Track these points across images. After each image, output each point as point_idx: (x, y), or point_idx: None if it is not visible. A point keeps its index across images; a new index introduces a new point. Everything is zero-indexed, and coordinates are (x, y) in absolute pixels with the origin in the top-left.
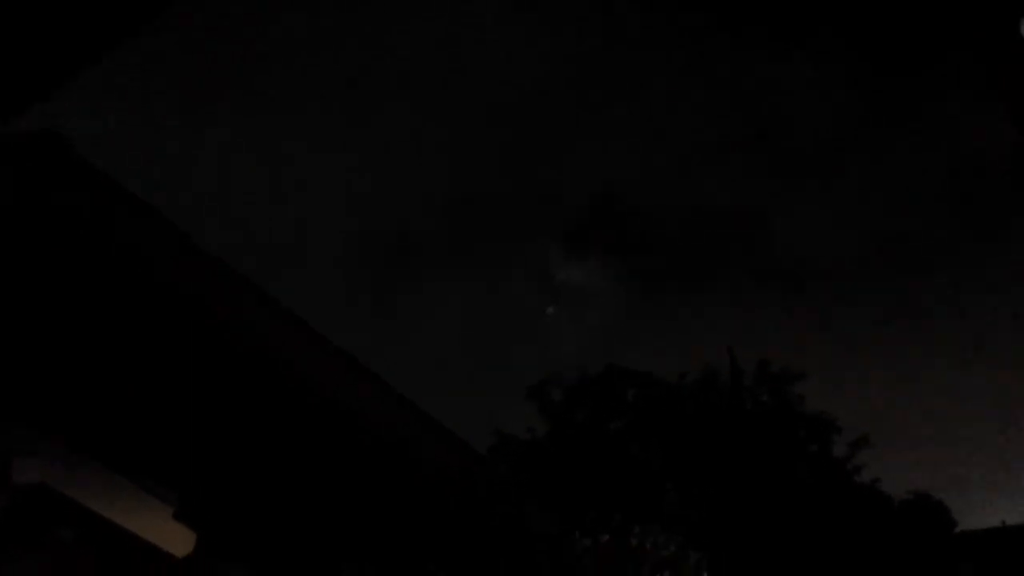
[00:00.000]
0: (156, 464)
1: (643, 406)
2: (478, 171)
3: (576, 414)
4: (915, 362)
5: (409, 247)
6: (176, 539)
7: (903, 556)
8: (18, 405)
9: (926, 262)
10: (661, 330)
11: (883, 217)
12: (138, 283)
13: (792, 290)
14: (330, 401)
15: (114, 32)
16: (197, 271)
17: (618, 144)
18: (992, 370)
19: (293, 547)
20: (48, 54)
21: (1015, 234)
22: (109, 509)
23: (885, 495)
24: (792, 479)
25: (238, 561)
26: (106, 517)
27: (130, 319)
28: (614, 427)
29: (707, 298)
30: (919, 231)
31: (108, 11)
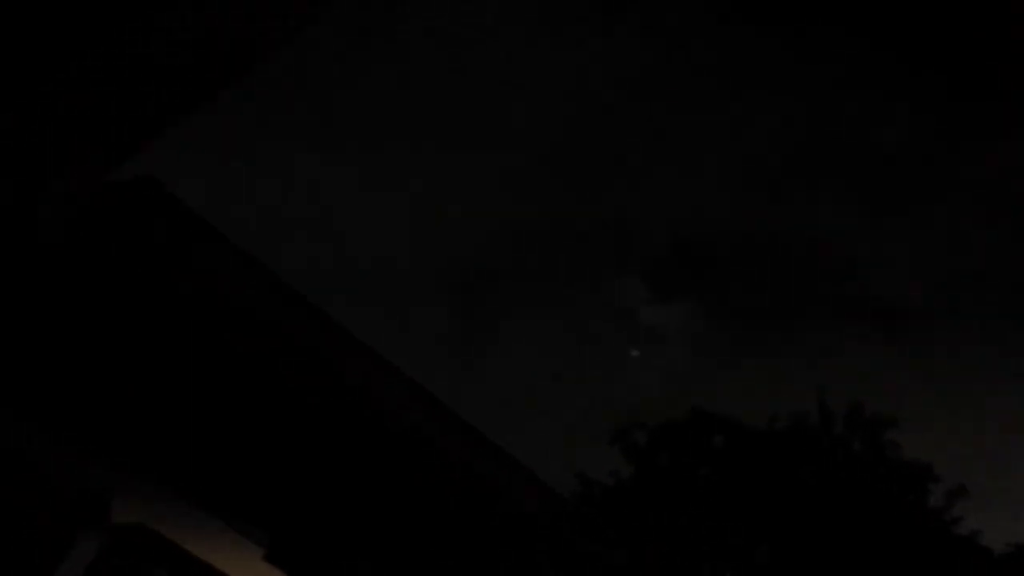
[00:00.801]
0: (249, 505)
1: (731, 453)
2: (554, 208)
3: (661, 459)
4: (1015, 407)
5: (487, 286)
6: None
7: None
8: (117, 444)
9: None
10: (748, 372)
11: (978, 253)
12: (237, 324)
13: (883, 330)
14: (426, 447)
15: (211, 86)
16: (295, 315)
17: (701, 179)
18: None
19: None
20: (150, 109)
21: None
22: (203, 549)
23: (985, 548)
24: (888, 531)
25: None
26: (200, 558)
27: (228, 360)
28: (702, 474)
29: (795, 338)
30: (1015, 266)
31: (208, 67)
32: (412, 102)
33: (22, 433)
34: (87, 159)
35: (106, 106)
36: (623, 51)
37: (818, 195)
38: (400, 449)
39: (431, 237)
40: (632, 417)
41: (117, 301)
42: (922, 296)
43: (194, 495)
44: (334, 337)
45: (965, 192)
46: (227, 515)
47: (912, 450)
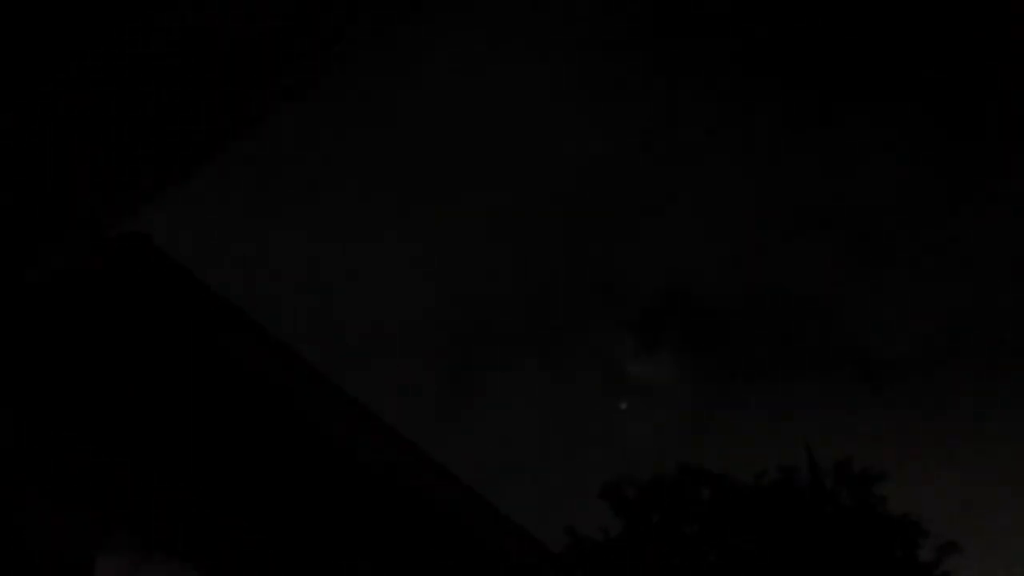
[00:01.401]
0: (239, 566)
1: (719, 508)
2: (545, 263)
3: (651, 515)
4: (1005, 460)
5: (475, 339)
6: None
7: None
8: (102, 498)
9: (1013, 354)
10: (736, 425)
11: (964, 304)
12: (229, 380)
13: (869, 384)
14: (415, 502)
15: (209, 149)
16: (287, 372)
17: (684, 231)
18: None
19: None
20: (146, 169)
21: None
22: None
23: None
24: None
25: None
26: None
27: (220, 415)
28: (689, 531)
29: (781, 392)
30: (999, 315)
31: (204, 130)
32: (400, 157)
33: None
34: (88, 220)
35: (112, 166)
36: (615, 108)
37: (805, 250)
38: (394, 505)
39: (419, 292)
40: (621, 471)
41: (103, 354)
42: (908, 349)
43: (185, 555)
44: (327, 395)
45: (952, 247)
46: (215, 571)
47: (900, 504)
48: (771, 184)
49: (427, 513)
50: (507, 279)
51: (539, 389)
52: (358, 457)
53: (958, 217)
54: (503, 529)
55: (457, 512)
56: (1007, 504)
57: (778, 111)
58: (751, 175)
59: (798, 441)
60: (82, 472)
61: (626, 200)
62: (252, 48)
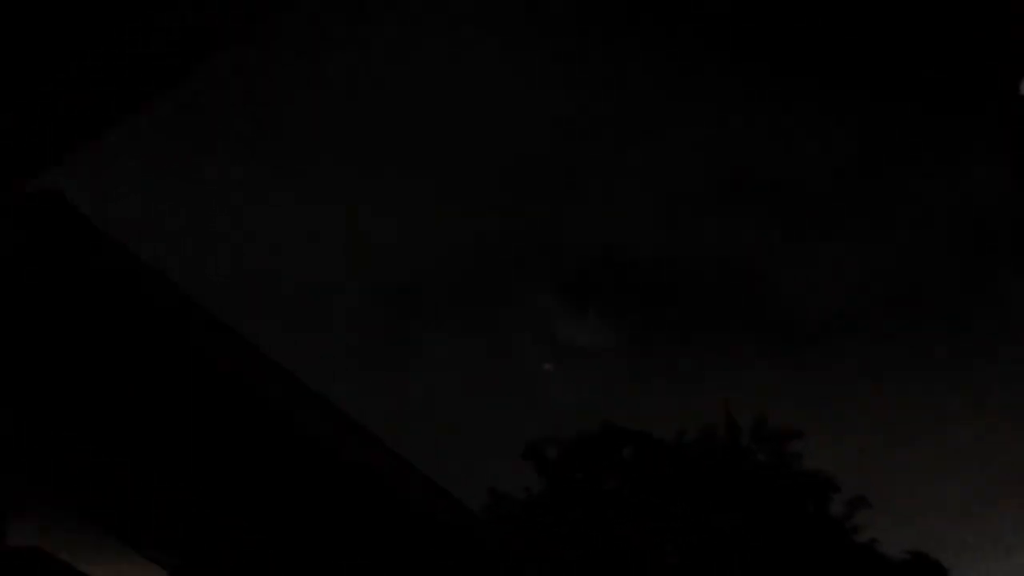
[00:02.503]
0: (152, 527)
1: (640, 465)
2: (475, 224)
3: (573, 473)
4: (914, 421)
5: (404, 301)
6: None
7: None
8: (17, 460)
9: (925, 319)
10: (660, 387)
11: (883, 272)
12: (139, 339)
13: (791, 345)
14: (333, 462)
15: (130, 101)
16: (197, 326)
17: (617, 197)
18: (991, 430)
19: None
20: (59, 121)
21: (1015, 292)
22: (104, 572)
23: (883, 555)
24: (790, 539)
25: None
26: None
27: (133, 376)
28: (611, 487)
29: (706, 354)
30: (920, 287)
31: (124, 79)
32: (338, 119)
33: None
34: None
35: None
36: (555, 72)
37: (736, 216)
38: (306, 462)
39: (353, 253)
40: (546, 431)
41: (13, 308)
42: (829, 313)
43: (95, 517)
44: (247, 353)
45: (875, 214)
46: (130, 538)
47: (815, 462)
48: (705, 151)
49: (343, 472)
50: (438, 239)
51: (466, 350)
52: (269, 407)
53: (883, 184)
54: (424, 490)
55: (378, 473)
56: (914, 461)
57: (717, 83)
58: (686, 142)
59: (720, 402)
60: None
61: (560, 163)
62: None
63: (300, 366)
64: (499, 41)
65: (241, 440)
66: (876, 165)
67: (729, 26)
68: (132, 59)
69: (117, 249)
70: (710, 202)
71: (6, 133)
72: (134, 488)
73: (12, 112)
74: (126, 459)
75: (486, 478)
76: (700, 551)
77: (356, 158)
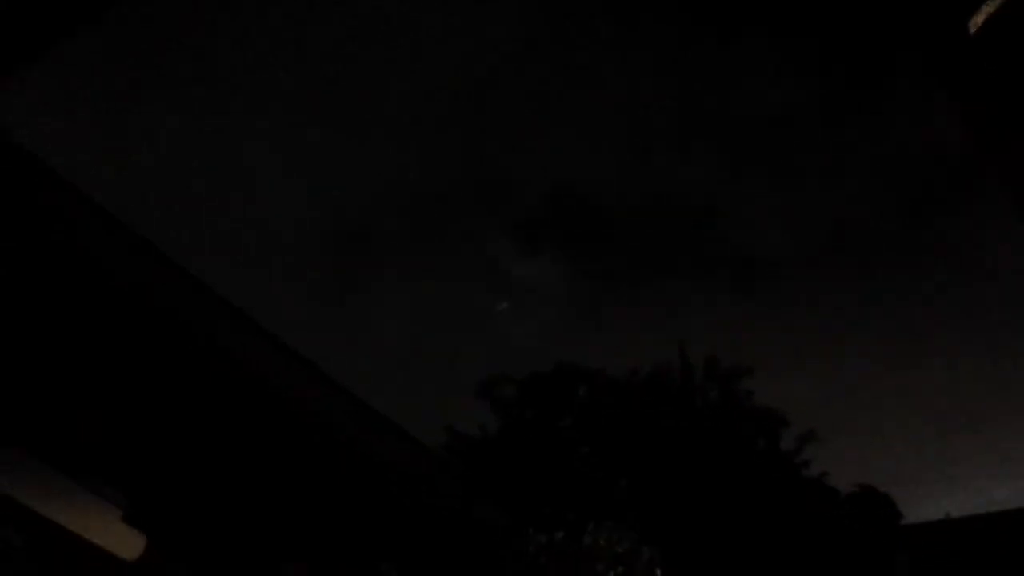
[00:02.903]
0: (105, 466)
1: (593, 403)
2: (428, 165)
3: (527, 412)
4: (863, 357)
5: (358, 242)
6: (126, 542)
7: (848, 547)
8: None
9: (873, 257)
10: (614, 326)
11: (833, 211)
12: (77, 278)
13: (743, 285)
14: (278, 400)
15: (57, 27)
16: (134, 260)
17: (571, 137)
18: (940, 366)
19: (244, 548)
20: None
21: (959, 226)
22: (57, 512)
23: (832, 488)
24: (741, 474)
25: (188, 564)
26: (54, 520)
27: (73, 316)
28: (565, 424)
29: (659, 294)
30: (869, 226)
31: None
32: (293, 65)
33: None
34: None
35: None
36: (506, 18)
37: (689, 155)
38: (248, 399)
39: (307, 198)
40: (502, 370)
41: None
42: (781, 253)
43: (47, 458)
44: (192, 288)
45: (829, 156)
46: (83, 477)
47: (767, 399)
48: (660, 93)
49: (293, 411)
50: (391, 180)
51: (422, 290)
52: (216, 343)
53: (835, 128)
54: (382, 430)
55: (336, 416)
56: (864, 396)
57: (674, 26)
58: (641, 84)
59: (674, 340)
60: None
61: (513, 104)
62: None
63: (247, 304)
64: None
65: (189, 377)
66: (830, 109)
67: None
68: None
69: (65, 185)
70: (664, 141)
71: None
72: (87, 431)
73: None
74: (76, 400)
75: (444, 416)
76: (652, 487)
77: (303, 101)
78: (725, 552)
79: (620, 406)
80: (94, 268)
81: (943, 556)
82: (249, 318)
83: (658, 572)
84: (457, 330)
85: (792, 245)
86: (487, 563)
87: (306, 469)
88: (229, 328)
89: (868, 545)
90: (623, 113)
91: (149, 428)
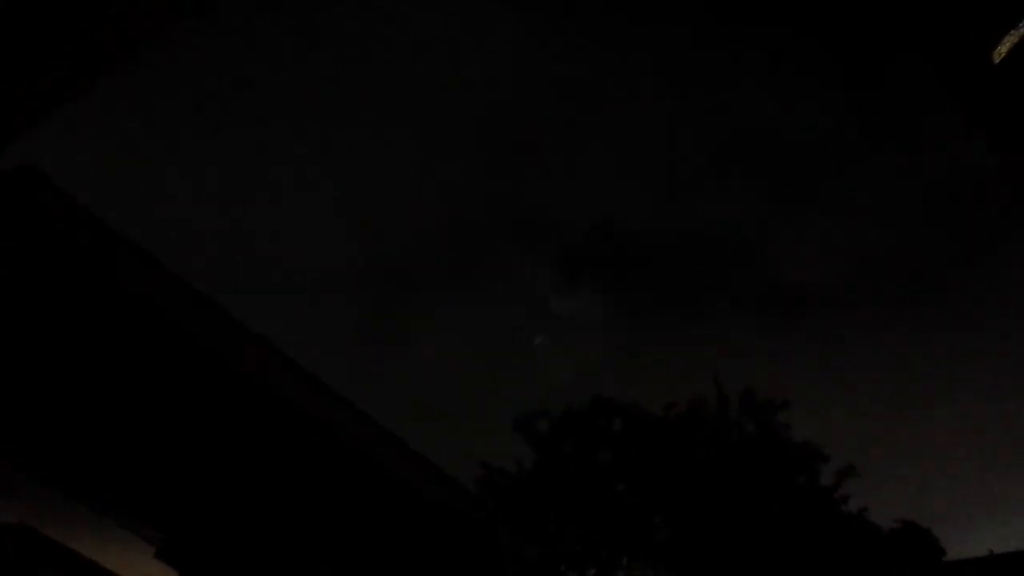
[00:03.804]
0: (136, 503)
1: (629, 438)
2: (467, 200)
3: (563, 446)
4: (902, 390)
5: (398, 275)
6: None
7: None
8: (3, 440)
9: (914, 290)
10: (651, 359)
11: (873, 243)
12: (119, 317)
13: (781, 318)
14: (316, 439)
15: (90, 71)
16: (175, 301)
17: (610, 171)
18: (981, 401)
19: None
20: (25, 95)
21: (1002, 259)
22: (91, 549)
23: (873, 524)
24: (779, 509)
25: None
26: (88, 557)
27: (110, 354)
28: (601, 459)
29: (697, 327)
30: (910, 258)
31: (82, 52)
32: (332, 101)
33: None
34: None
35: None
36: (550, 51)
37: (728, 189)
38: (286, 437)
39: (343, 228)
40: (538, 404)
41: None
42: (819, 281)
43: (81, 495)
44: (224, 324)
45: (870, 188)
46: (117, 514)
47: (805, 432)
48: (698, 125)
49: (336, 451)
50: (431, 215)
51: (460, 325)
52: (255, 384)
53: (875, 160)
54: (413, 465)
55: (368, 449)
56: (904, 431)
57: (711, 55)
58: (680, 116)
59: (710, 373)
60: None
61: (553, 138)
62: None
63: (292, 341)
64: (496, 3)
65: (227, 419)
66: (868, 138)
67: None
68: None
69: (96, 223)
70: (703, 174)
71: None
72: (120, 466)
73: None
74: (110, 438)
75: (479, 450)
76: (688, 522)
77: (343, 131)
78: None
79: (656, 440)
80: (136, 305)
81: None
82: (287, 356)
83: None
84: (495, 363)
85: (831, 277)
86: None
87: (338, 505)
88: (268, 366)
89: None
90: (662, 146)
91: (184, 466)
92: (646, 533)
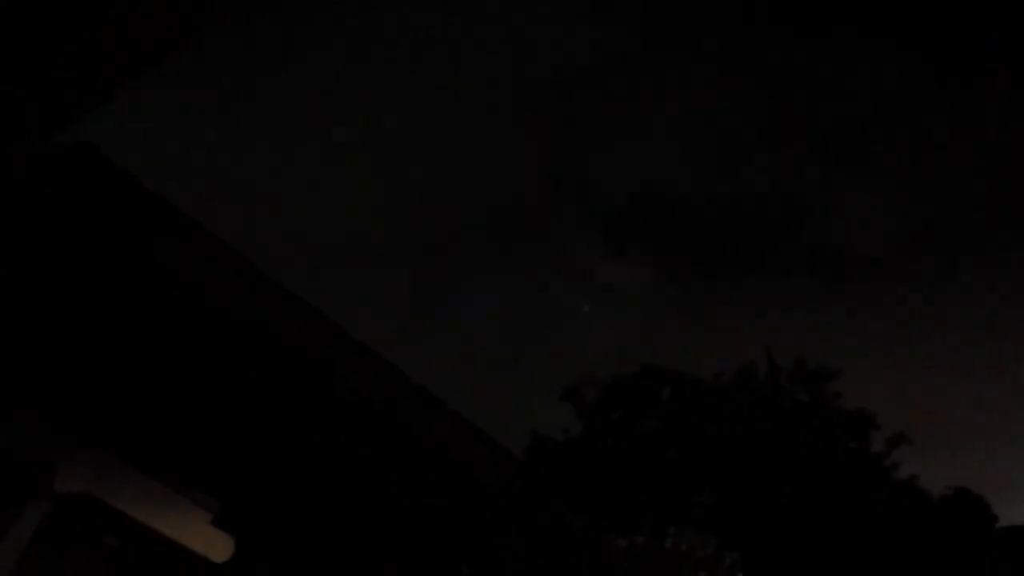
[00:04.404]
0: (194, 471)
1: (678, 406)
2: (518, 169)
3: (611, 414)
4: (954, 356)
5: (449, 246)
6: (216, 545)
7: (944, 551)
8: (62, 415)
9: (967, 255)
10: (700, 327)
11: (926, 209)
12: (170, 292)
13: (830, 284)
14: (368, 408)
15: (147, 57)
16: (229, 280)
17: (657, 139)
18: None
19: (331, 550)
20: (86, 75)
21: None
22: (150, 516)
23: (924, 491)
24: (830, 477)
25: (277, 565)
26: (147, 524)
27: (166, 330)
28: (649, 427)
29: (746, 294)
30: (960, 223)
31: (141, 37)
32: (370, 71)
33: None
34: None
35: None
36: (596, 22)
37: (777, 154)
38: (339, 407)
39: (393, 204)
40: (586, 372)
41: (51, 267)
42: (869, 247)
43: (140, 463)
44: (286, 301)
45: (919, 154)
46: (174, 482)
47: (856, 399)
48: (747, 92)
49: (388, 423)
50: (481, 185)
51: (508, 293)
52: (308, 357)
53: (926, 125)
54: (468, 435)
55: (426, 424)
56: (952, 398)
57: (762, 24)
58: (726, 82)
59: (760, 341)
60: (39, 380)
61: (601, 104)
62: None
63: (337, 308)
64: None
65: (282, 389)
66: (920, 106)
67: None
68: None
69: (152, 197)
70: (750, 141)
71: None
72: (179, 436)
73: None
74: (169, 408)
75: (529, 417)
76: (737, 491)
77: (386, 104)
78: (812, 557)
79: (706, 408)
80: (186, 277)
81: None
82: (339, 326)
83: None
84: (543, 332)
85: (881, 243)
86: (570, 567)
87: (391, 472)
88: (319, 338)
89: (964, 549)
90: (710, 113)
91: (240, 434)
92: (693, 500)
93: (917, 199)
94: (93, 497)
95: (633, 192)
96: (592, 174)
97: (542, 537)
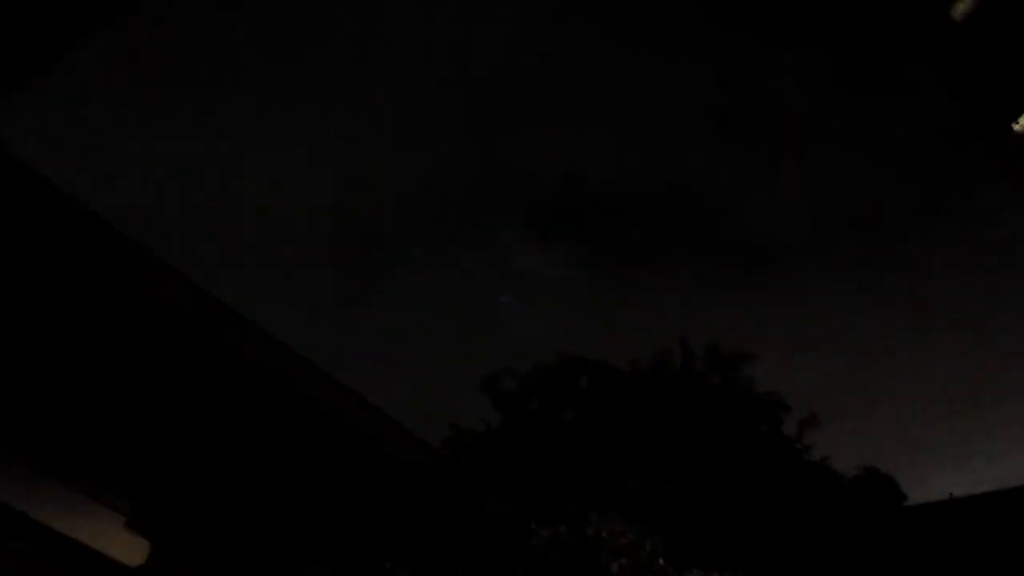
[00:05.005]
0: (107, 472)
1: (595, 394)
2: (437, 154)
3: (530, 404)
4: (864, 340)
5: (364, 234)
6: (129, 549)
7: (855, 530)
8: None
9: (877, 242)
10: (619, 316)
11: (837, 197)
12: (81, 287)
13: (750, 273)
14: (286, 401)
15: (65, 37)
16: (139, 267)
17: (582, 127)
18: (941, 347)
19: (248, 550)
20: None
21: (972, 214)
22: (60, 520)
23: (835, 472)
24: (743, 460)
25: (192, 570)
26: (57, 529)
27: (67, 326)
28: (568, 416)
29: (667, 283)
30: (876, 212)
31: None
32: (300, 62)
33: None
34: None
35: None
36: (522, 9)
37: (700, 143)
38: (254, 400)
39: (311, 184)
40: (506, 363)
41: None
42: (788, 235)
43: (47, 465)
44: (198, 294)
45: (832, 141)
46: (85, 485)
47: (771, 384)
48: (671, 81)
49: (299, 410)
50: (400, 174)
51: (426, 285)
52: (221, 344)
53: (846, 113)
54: (390, 429)
55: (345, 417)
56: (863, 382)
57: (685, 13)
58: (651, 71)
59: (679, 329)
60: None
61: (524, 94)
62: None
63: (258, 301)
64: None
65: (194, 380)
66: (840, 94)
67: None
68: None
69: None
70: (675, 129)
71: None
72: (87, 437)
73: None
74: (77, 410)
75: (447, 411)
76: (656, 477)
77: (310, 93)
78: (730, 539)
79: (622, 396)
80: (95, 267)
81: (949, 536)
82: (252, 321)
83: (661, 562)
84: (461, 323)
85: (796, 230)
86: (493, 558)
87: (312, 469)
88: (233, 328)
89: (874, 527)
90: (634, 102)
91: (150, 432)
92: (614, 488)
93: (831, 189)
94: (4, 504)
95: (556, 181)
96: (514, 163)
97: (466, 529)
